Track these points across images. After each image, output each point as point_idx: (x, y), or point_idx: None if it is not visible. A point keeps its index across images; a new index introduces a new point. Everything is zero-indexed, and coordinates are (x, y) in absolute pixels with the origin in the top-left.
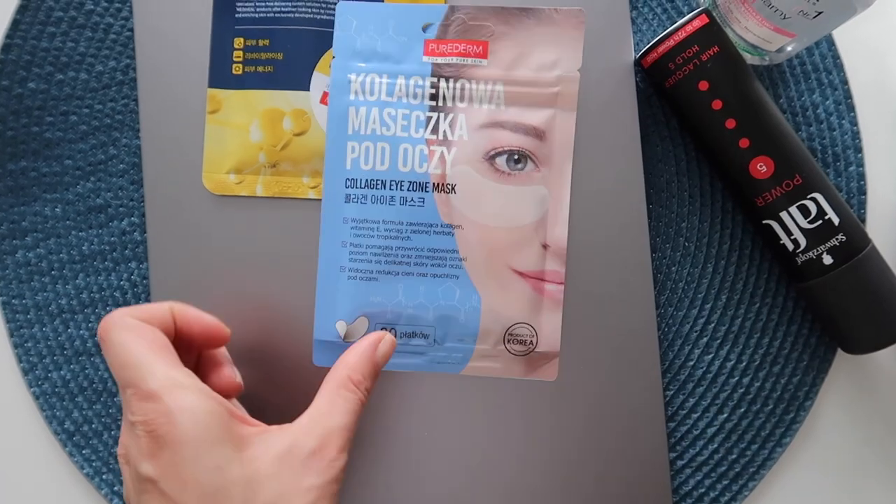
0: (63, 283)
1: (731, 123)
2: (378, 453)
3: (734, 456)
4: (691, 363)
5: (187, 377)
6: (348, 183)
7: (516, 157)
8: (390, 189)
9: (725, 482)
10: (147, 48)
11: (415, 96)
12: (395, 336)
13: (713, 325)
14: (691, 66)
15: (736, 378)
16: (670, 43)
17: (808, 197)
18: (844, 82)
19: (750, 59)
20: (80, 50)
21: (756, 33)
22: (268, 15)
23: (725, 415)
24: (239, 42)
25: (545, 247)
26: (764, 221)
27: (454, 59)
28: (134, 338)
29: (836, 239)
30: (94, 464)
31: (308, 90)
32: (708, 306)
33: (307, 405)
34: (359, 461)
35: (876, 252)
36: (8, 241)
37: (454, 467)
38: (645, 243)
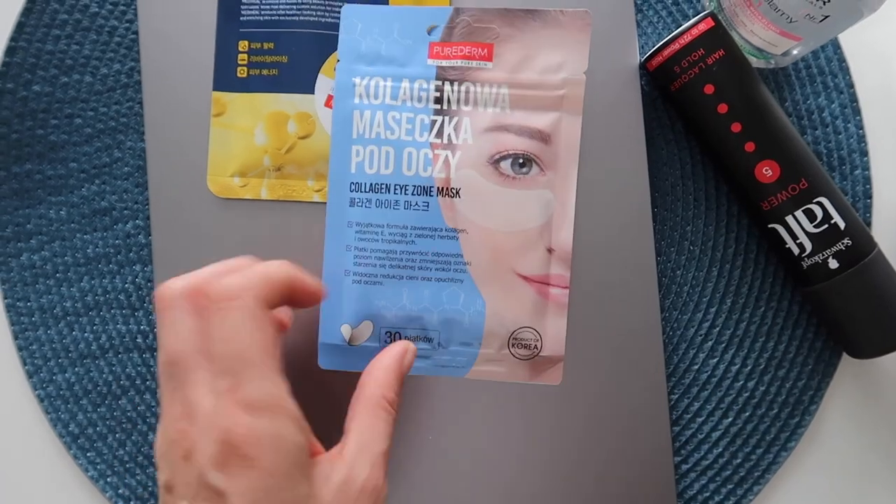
0: (68, 285)
1: (736, 127)
2: None
3: (739, 460)
4: (696, 367)
5: (287, 394)
6: (353, 187)
7: (521, 160)
8: (395, 193)
9: (730, 486)
10: (152, 51)
11: (419, 100)
12: (399, 339)
13: (718, 328)
14: (697, 70)
15: (741, 382)
16: (676, 46)
17: (814, 201)
18: (850, 86)
19: (755, 62)
20: (85, 53)
21: (762, 37)
22: (272, 18)
23: (730, 419)
24: (243, 45)
25: (550, 251)
26: (769, 225)
27: (459, 62)
28: (254, 329)
29: (842, 243)
30: (98, 466)
31: (313, 93)
32: (713, 310)
33: (312, 409)
34: None
35: (882, 256)
36: (13, 244)
37: (458, 471)
38: (650, 247)
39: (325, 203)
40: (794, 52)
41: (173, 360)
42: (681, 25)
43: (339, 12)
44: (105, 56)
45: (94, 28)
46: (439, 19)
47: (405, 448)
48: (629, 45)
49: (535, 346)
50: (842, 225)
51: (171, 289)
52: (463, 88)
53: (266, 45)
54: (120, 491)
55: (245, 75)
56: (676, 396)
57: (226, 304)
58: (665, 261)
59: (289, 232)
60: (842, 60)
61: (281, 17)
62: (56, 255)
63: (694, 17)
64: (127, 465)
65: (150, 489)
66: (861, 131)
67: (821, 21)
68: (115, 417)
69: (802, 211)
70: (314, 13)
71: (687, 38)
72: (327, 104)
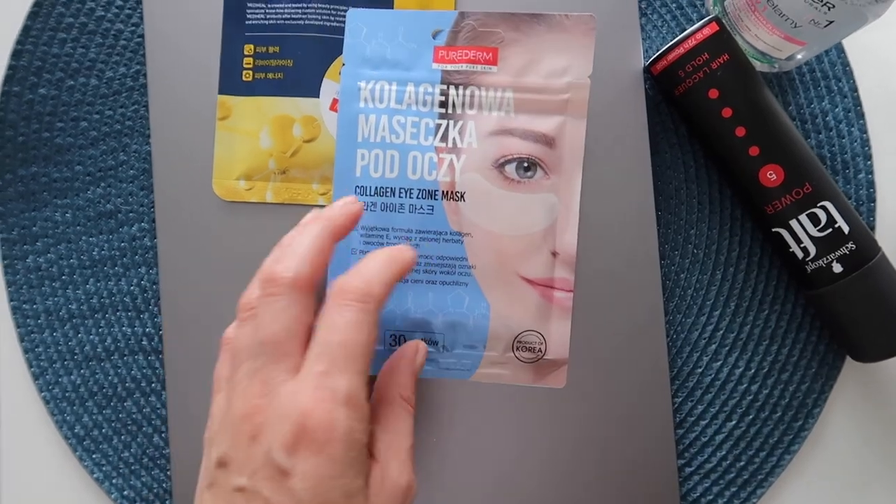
0: (73, 288)
1: (740, 131)
2: None
3: (742, 463)
4: (700, 370)
5: (366, 396)
6: (358, 190)
7: (526, 164)
8: (399, 197)
9: (734, 489)
10: (157, 54)
11: (424, 103)
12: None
13: (722, 332)
14: (701, 74)
15: (744, 385)
16: (680, 51)
17: (818, 205)
18: (854, 90)
19: (759, 66)
20: (91, 56)
21: (766, 41)
22: (278, 22)
23: (734, 422)
24: (249, 49)
25: (554, 254)
26: (773, 229)
27: (464, 66)
28: (366, 330)
29: (846, 247)
30: (103, 468)
31: (318, 97)
32: (717, 313)
33: None
34: None
35: (886, 260)
36: (19, 247)
37: (462, 473)
38: (654, 250)
39: None
40: (799, 56)
41: (272, 341)
42: (685, 30)
43: (344, 16)
44: (111, 59)
45: (99, 31)
46: (444, 23)
47: None
48: (633, 49)
49: (540, 350)
50: (846, 229)
51: (286, 276)
52: (468, 92)
53: (271, 49)
54: (125, 493)
55: (250, 79)
56: (680, 399)
57: (351, 304)
58: (669, 264)
59: None
60: (846, 65)
61: (286, 21)
62: (62, 257)
63: (698, 21)
64: (132, 467)
65: (155, 491)
66: (865, 135)
67: (825, 26)
68: (121, 419)
69: (806, 215)
70: (319, 17)
71: (691, 43)
72: (332, 108)
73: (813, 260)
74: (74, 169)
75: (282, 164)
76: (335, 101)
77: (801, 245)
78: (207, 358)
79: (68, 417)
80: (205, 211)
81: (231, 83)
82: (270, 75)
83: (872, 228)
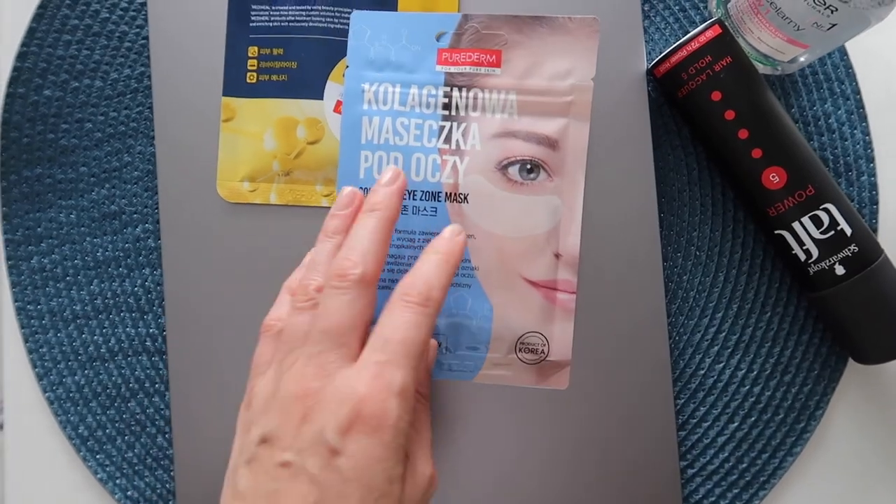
0: (77, 288)
1: (743, 134)
2: None
3: (745, 465)
4: (702, 372)
5: (414, 393)
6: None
7: (529, 166)
8: (403, 198)
9: (736, 491)
10: (162, 56)
11: (428, 106)
12: None
13: (724, 334)
14: (704, 77)
15: (747, 387)
16: (683, 53)
17: (821, 207)
18: (857, 92)
19: (762, 68)
20: (96, 58)
21: (769, 44)
22: (282, 24)
23: (736, 424)
24: (253, 51)
25: (557, 256)
26: (776, 232)
27: (467, 69)
28: (428, 332)
29: (849, 250)
30: (107, 468)
31: (322, 99)
32: (719, 315)
33: None
34: None
35: (888, 263)
36: (23, 247)
37: (464, 474)
38: (656, 252)
39: None
40: (801, 59)
41: (335, 331)
42: (688, 32)
43: (348, 18)
44: (115, 61)
45: (104, 33)
46: (448, 26)
47: None
48: (636, 52)
49: (542, 351)
50: (848, 231)
51: (355, 273)
52: (471, 94)
53: (275, 51)
54: (129, 493)
55: (254, 81)
56: (682, 401)
57: (413, 306)
58: (671, 266)
59: (297, 236)
60: (848, 67)
61: (290, 24)
62: (66, 258)
63: (701, 24)
64: (136, 468)
65: (158, 491)
66: (867, 137)
67: (828, 29)
68: (125, 420)
69: (809, 217)
70: (323, 19)
71: (694, 45)
72: (336, 110)
73: (815, 262)
74: (79, 170)
75: (285, 166)
76: (339, 104)
77: (804, 247)
78: (211, 359)
79: (72, 417)
80: (209, 212)
81: (235, 85)
82: (274, 77)
83: (875, 231)
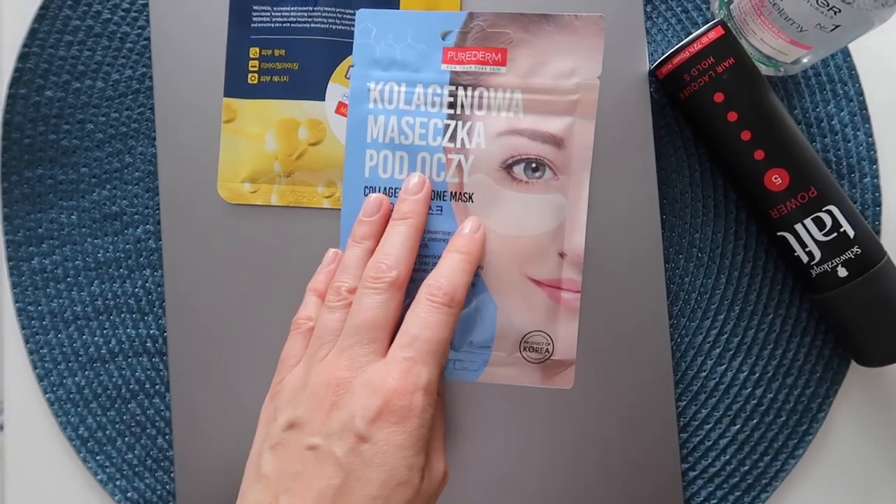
0: (78, 290)
1: (746, 135)
2: None
3: (747, 467)
4: (704, 374)
5: (438, 391)
6: (367, 191)
7: (534, 165)
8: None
9: (738, 493)
10: (163, 57)
11: (433, 104)
12: None
13: (726, 336)
14: (706, 78)
15: (749, 389)
16: (685, 54)
17: (824, 209)
18: (860, 94)
19: (764, 70)
20: (97, 59)
21: (772, 45)
22: (283, 25)
23: (738, 426)
24: (254, 52)
25: (562, 255)
26: (778, 233)
27: (473, 68)
28: (452, 332)
29: (851, 252)
30: (107, 470)
31: (323, 100)
32: (721, 317)
33: None
34: None
35: (891, 265)
36: (24, 248)
37: (467, 473)
38: (658, 254)
39: (335, 209)
40: (804, 60)
41: (368, 327)
42: (690, 33)
43: (350, 19)
44: (117, 62)
45: (106, 34)
46: (453, 24)
47: None
48: (639, 53)
49: (547, 350)
50: (851, 233)
51: (390, 276)
52: (476, 93)
53: (277, 52)
54: (129, 494)
55: (256, 82)
56: (684, 403)
57: (440, 306)
58: (673, 268)
59: (299, 237)
60: (851, 69)
61: (292, 24)
62: (67, 259)
63: (704, 25)
64: (136, 469)
65: (158, 493)
66: (870, 139)
67: (831, 30)
68: (125, 421)
69: (812, 219)
70: (325, 20)
71: (697, 47)
72: (338, 111)
73: (818, 264)
74: (80, 171)
75: (287, 167)
76: (341, 105)
77: (806, 249)
78: (211, 360)
79: (73, 419)
80: (210, 213)
81: (236, 86)
82: (276, 78)
83: (878, 233)
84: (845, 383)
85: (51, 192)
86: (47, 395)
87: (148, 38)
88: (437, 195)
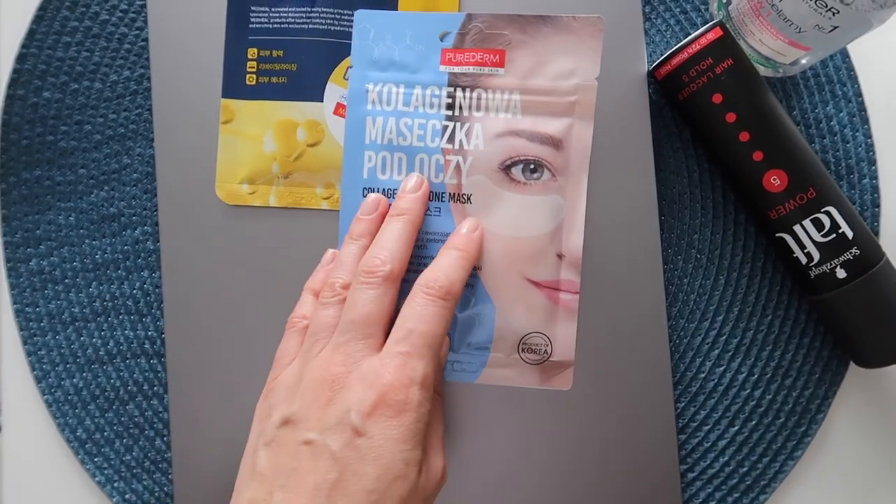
0: (76, 291)
1: (744, 136)
2: None
3: (745, 469)
4: (703, 375)
5: (434, 385)
6: (365, 192)
7: (532, 166)
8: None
9: (736, 495)
10: (161, 58)
11: (431, 106)
12: None
13: (725, 337)
14: (705, 79)
15: (748, 391)
16: (684, 55)
17: (822, 210)
18: (858, 94)
19: (763, 70)
20: (95, 60)
21: (770, 46)
22: (282, 26)
23: (737, 427)
24: (253, 53)
25: (560, 256)
26: (777, 234)
27: (471, 69)
28: (448, 325)
29: (850, 253)
30: (105, 472)
31: (322, 101)
32: (720, 318)
33: None
34: None
35: (890, 266)
36: (22, 250)
37: (465, 474)
38: (657, 255)
39: (334, 211)
40: (803, 61)
41: (363, 322)
42: (689, 34)
43: (348, 20)
44: (115, 63)
45: (104, 35)
46: (452, 25)
47: None
48: (637, 54)
49: (546, 351)
50: (850, 234)
51: (384, 270)
52: (475, 95)
53: (275, 53)
54: (127, 496)
55: (254, 83)
56: (683, 405)
57: (436, 300)
58: (672, 269)
59: (297, 239)
60: (850, 69)
61: (290, 25)
62: (65, 260)
63: (702, 26)
64: (134, 471)
65: (156, 494)
66: (869, 140)
67: (830, 31)
68: (123, 423)
69: (810, 220)
70: (324, 21)
71: (695, 48)
72: (336, 112)
73: (817, 265)
74: (78, 172)
75: (285, 168)
76: (339, 106)
77: (805, 250)
78: (210, 361)
79: (71, 420)
80: (208, 214)
81: (235, 87)
82: (274, 79)
83: (876, 234)
84: (844, 384)
85: (49, 193)
86: (45, 397)
87: (146, 40)
88: (435, 196)
